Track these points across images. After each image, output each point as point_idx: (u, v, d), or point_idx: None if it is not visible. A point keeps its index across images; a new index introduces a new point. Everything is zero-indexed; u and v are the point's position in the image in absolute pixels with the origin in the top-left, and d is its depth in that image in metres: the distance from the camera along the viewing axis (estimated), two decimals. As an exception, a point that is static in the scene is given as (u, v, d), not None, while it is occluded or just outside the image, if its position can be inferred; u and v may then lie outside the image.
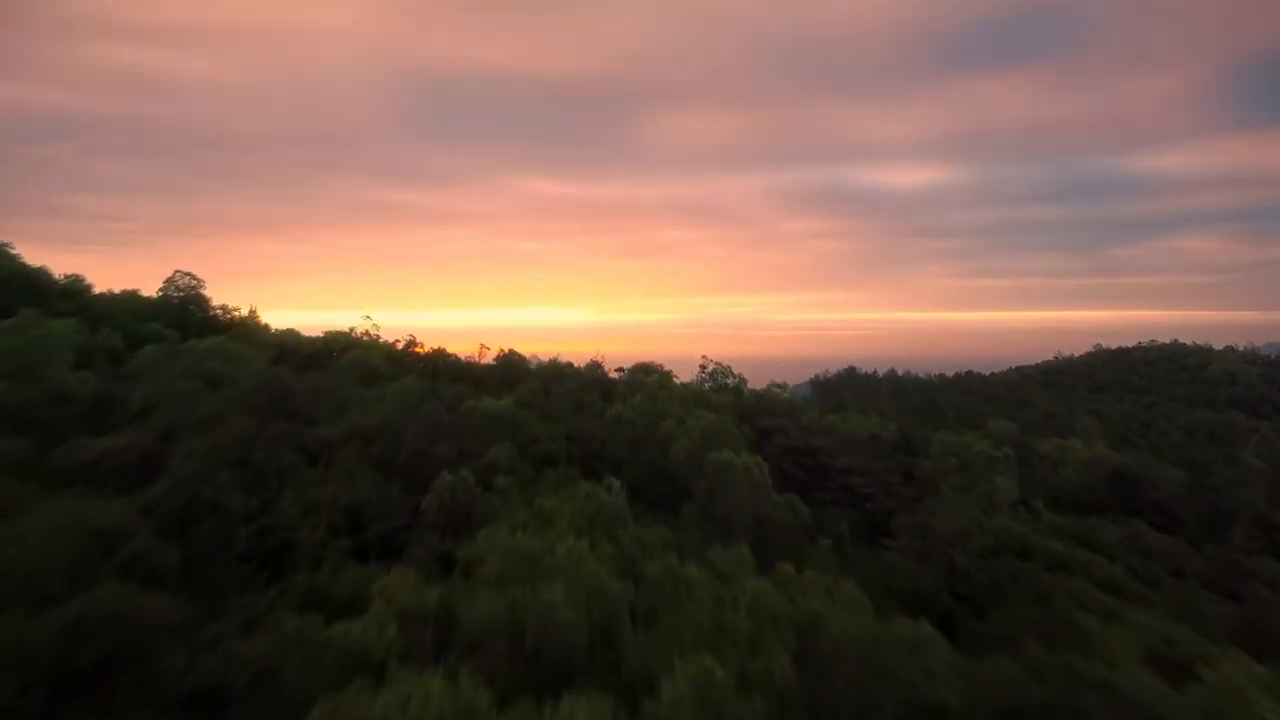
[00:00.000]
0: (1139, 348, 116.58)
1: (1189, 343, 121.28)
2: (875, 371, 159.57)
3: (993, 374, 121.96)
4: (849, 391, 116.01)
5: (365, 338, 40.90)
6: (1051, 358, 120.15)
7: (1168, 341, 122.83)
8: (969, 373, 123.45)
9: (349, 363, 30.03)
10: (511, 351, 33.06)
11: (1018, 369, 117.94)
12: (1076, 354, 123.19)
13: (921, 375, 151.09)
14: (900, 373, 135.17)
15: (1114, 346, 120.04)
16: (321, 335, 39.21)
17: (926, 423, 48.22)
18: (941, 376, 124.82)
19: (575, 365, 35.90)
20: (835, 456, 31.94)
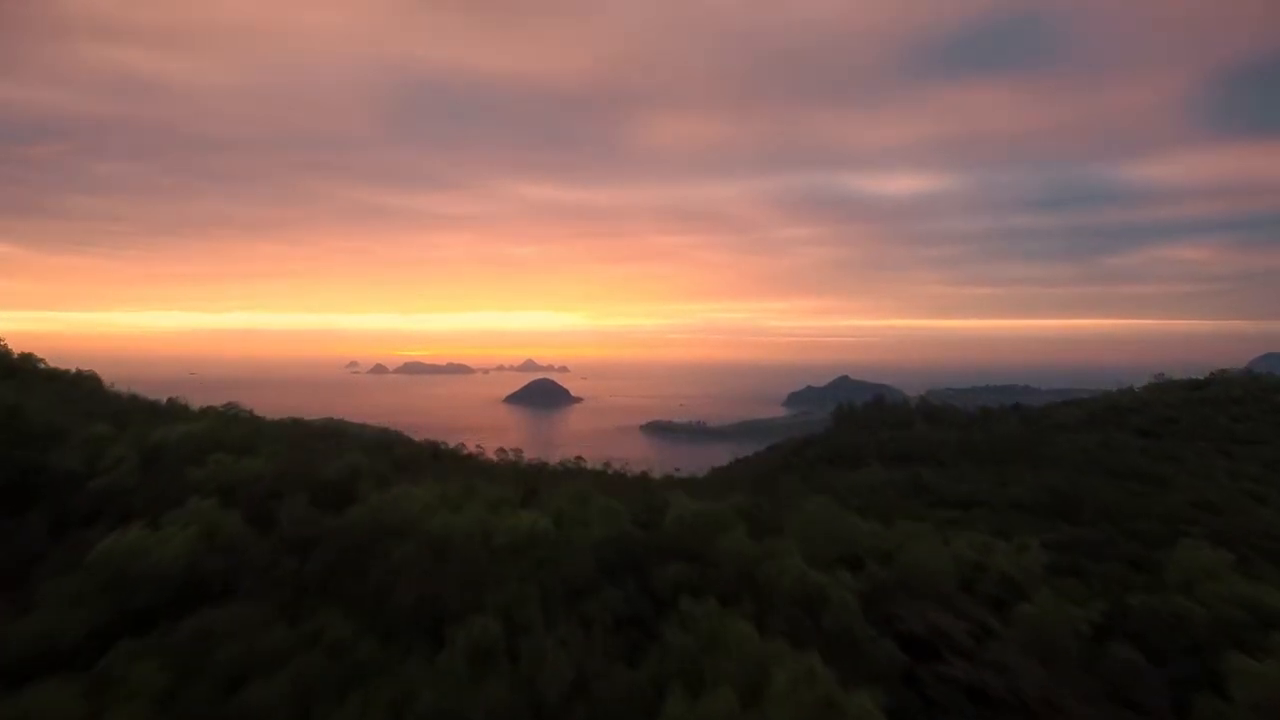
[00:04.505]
0: (1212, 380, 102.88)
1: (1264, 372, 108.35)
2: (904, 397, 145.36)
3: (1046, 407, 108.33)
4: (886, 424, 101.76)
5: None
6: (1112, 389, 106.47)
7: (1241, 368, 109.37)
8: (1017, 405, 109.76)
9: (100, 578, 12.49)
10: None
11: (1075, 402, 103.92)
12: (1137, 386, 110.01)
13: (953, 398, 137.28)
14: (935, 401, 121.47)
15: (1183, 378, 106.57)
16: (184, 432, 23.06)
17: (1069, 536, 33.77)
18: (987, 410, 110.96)
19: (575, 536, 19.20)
20: (1053, 697, 17.30)
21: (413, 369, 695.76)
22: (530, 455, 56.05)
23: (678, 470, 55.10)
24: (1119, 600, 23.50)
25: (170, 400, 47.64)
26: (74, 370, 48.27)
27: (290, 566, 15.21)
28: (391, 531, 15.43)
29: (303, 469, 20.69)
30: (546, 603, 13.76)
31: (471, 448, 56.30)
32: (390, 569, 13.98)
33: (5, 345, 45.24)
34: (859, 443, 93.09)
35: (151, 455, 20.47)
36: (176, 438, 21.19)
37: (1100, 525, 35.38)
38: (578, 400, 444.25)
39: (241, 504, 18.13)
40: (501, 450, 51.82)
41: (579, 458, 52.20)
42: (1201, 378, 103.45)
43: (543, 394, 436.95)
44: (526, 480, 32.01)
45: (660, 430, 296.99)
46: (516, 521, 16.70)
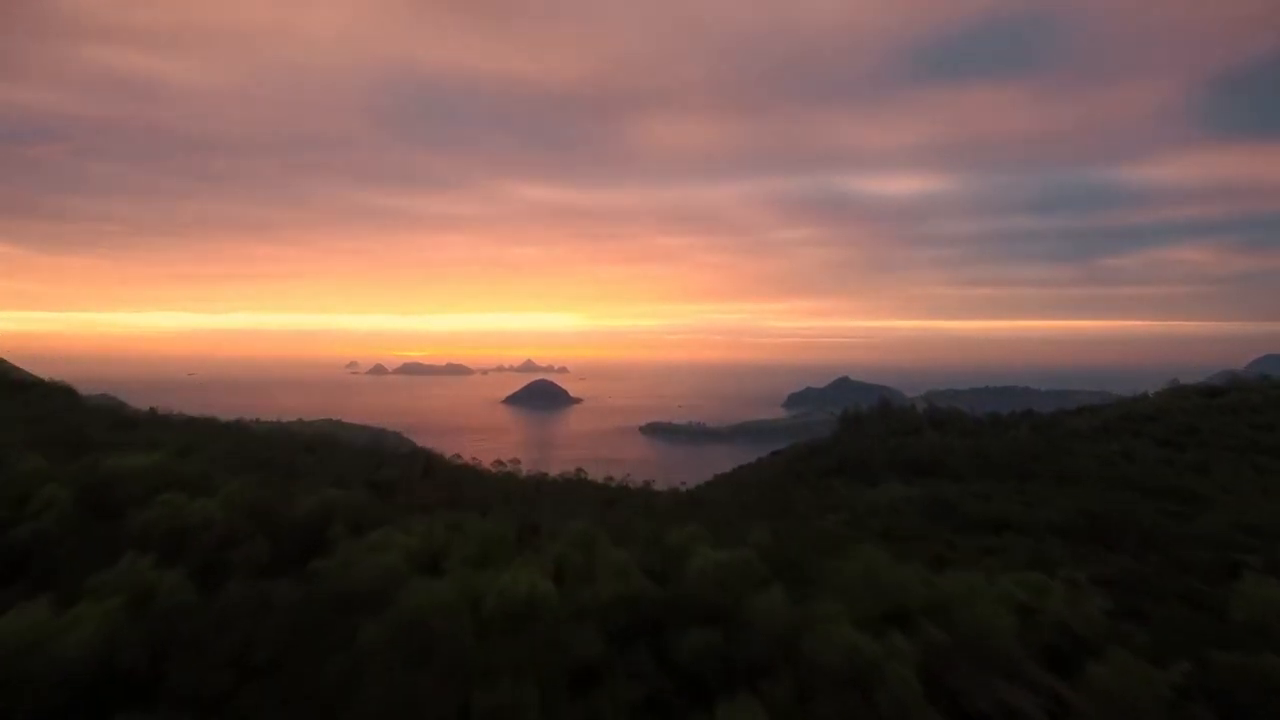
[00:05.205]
0: (1230, 386, 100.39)
1: (1266, 373, 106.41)
2: (906, 398, 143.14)
3: (1058, 413, 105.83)
4: (892, 430, 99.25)
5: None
6: (1128, 396, 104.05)
7: (1241, 369, 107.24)
8: (1029, 411, 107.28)
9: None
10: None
11: (1088, 408, 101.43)
12: (1145, 390, 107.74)
13: (955, 398, 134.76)
14: (941, 405, 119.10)
15: (1194, 383, 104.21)
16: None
17: (1117, 569, 31.11)
18: (996, 416, 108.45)
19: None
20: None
21: (412, 369, 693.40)
22: (529, 458, 53.75)
23: (683, 484, 52.68)
24: (1199, 655, 20.74)
25: (152, 410, 45.11)
26: (47, 379, 45.53)
27: (234, 643, 12.55)
28: (357, 602, 12.71)
29: (266, 509, 17.93)
30: (547, 694, 11.13)
31: (469, 455, 53.97)
32: (353, 657, 11.27)
33: None
34: (866, 450, 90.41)
35: (91, 496, 17.79)
36: (125, 473, 18.47)
37: (1145, 553, 32.62)
38: (577, 401, 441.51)
39: (188, 557, 15.51)
40: (499, 462, 49.57)
41: (580, 470, 49.90)
42: (1207, 380, 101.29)
43: (542, 395, 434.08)
44: (526, 506, 29.43)
45: (660, 431, 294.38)
46: (513, 581, 14.01)
